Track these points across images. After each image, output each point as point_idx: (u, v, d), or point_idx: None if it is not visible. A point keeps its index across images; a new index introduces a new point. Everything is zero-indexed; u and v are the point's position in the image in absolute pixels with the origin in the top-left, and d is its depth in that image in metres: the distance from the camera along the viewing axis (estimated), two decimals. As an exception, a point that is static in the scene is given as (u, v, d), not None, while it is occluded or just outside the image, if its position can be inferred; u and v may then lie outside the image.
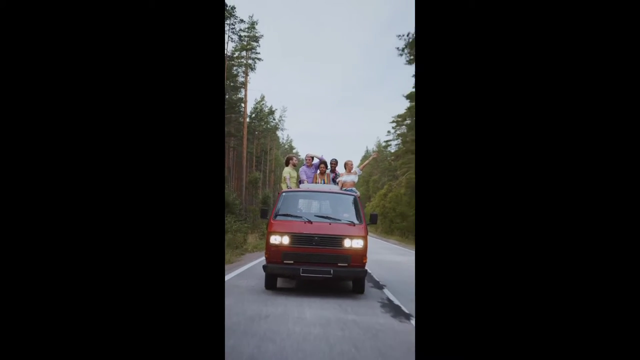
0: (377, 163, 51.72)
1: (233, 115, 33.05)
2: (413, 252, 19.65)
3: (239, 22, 30.44)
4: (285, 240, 6.01)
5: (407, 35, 25.86)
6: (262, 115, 44.43)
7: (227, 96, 30.91)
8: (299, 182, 7.32)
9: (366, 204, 50.39)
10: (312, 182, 7.27)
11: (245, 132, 33.54)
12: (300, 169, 7.45)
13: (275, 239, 6.03)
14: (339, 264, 5.98)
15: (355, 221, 6.30)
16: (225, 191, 23.77)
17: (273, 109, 47.26)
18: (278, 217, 6.26)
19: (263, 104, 45.40)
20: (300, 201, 6.76)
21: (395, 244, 27.44)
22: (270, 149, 48.75)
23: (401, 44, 27.03)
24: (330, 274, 5.90)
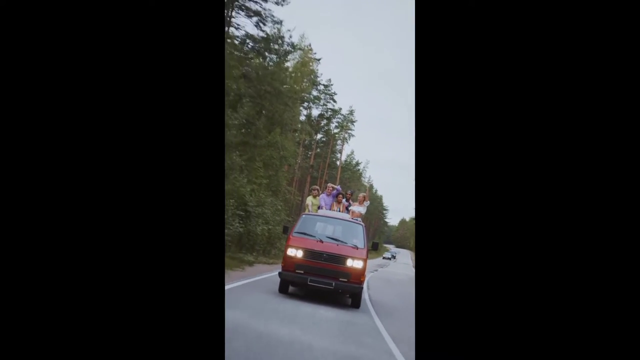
0: None
1: (329, 171, 48.66)
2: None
3: (342, 117, 48.42)
4: (300, 253, 7.30)
5: None
6: (351, 166, 61.82)
7: (327, 160, 48.87)
8: (319, 207, 8.67)
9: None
10: (330, 209, 8.58)
11: (337, 182, 47.74)
12: (321, 196, 8.83)
13: (291, 252, 7.35)
14: (340, 279, 7.14)
15: (359, 245, 7.46)
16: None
17: (359, 162, 66.33)
18: (296, 234, 7.61)
19: (352, 157, 63.88)
20: (317, 224, 8.06)
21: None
22: (354, 193, 64.06)
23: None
24: (332, 286, 7.08)
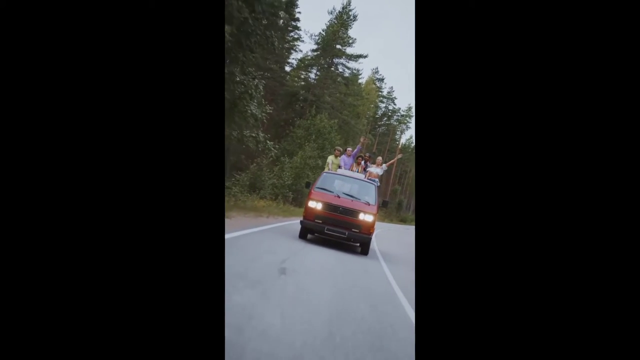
0: None
1: (389, 155, 55.37)
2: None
3: (401, 115, 61.41)
4: (319, 206, 8.34)
5: None
6: (409, 148, 70.19)
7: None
8: (339, 167, 9.64)
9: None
10: (349, 169, 9.53)
11: (394, 171, 53.84)
12: (341, 157, 9.79)
13: (312, 204, 8.41)
14: (353, 230, 8.15)
15: (371, 202, 8.40)
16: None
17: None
18: (317, 189, 8.65)
19: (410, 141, 71.78)
20: (336, 181, 9.04)
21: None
22: (410, 170, 74.83)
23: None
24: (345, 235, 8.13)
